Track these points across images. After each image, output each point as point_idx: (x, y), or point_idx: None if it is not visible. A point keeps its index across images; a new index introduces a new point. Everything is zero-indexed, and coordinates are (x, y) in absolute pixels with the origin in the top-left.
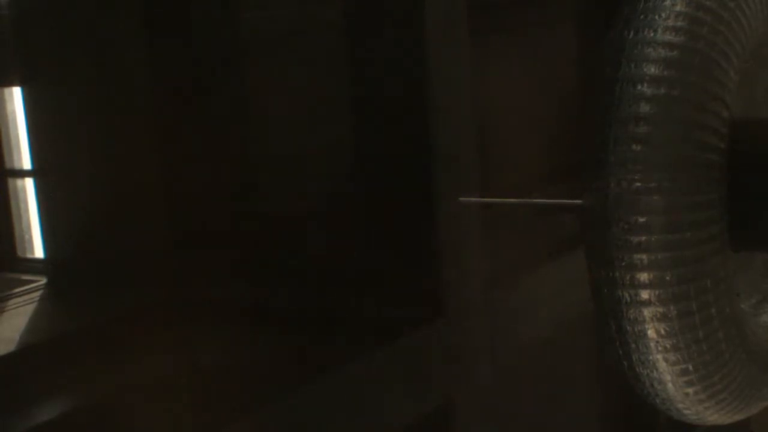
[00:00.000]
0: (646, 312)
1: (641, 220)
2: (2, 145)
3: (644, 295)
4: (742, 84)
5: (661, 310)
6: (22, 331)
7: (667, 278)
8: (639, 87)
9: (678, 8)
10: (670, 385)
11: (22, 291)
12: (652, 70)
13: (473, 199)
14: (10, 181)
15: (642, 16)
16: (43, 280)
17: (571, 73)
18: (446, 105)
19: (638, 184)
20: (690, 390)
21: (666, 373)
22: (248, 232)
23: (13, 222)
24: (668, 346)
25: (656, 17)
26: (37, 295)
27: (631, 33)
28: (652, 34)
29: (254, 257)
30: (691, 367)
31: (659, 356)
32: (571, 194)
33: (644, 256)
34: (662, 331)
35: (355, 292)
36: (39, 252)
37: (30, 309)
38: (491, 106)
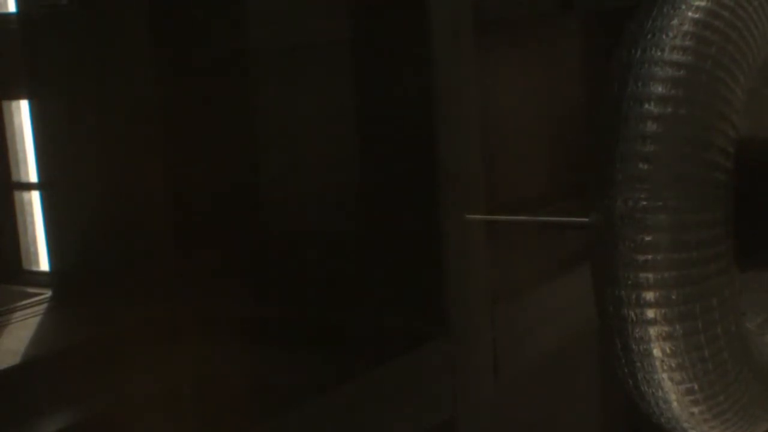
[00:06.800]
0: (652, 331)
1: (648, 238)
2: (9, 157)
3: (650, 314)
4: (749, 103)
5: (666, 329)
6: (27, 343)
7: (673, 297)
8: (646, 106)
9: (685, 28)
10: (675, 404)
11: (27, 303)
12: (659, 89)
13: (479, 216)
14: (17, 193)
15: (649, 35)
16: (49, 293)
17: (578, 90)
18: (452, 121)
19: (645, 202)
20: (695, 409)
21: (671, 392)
22: (253, 246)
23: (18, 234)
24: (674, 365)
25: (664, 36)
26: (42, 307)
27: (639, 52)
28: (659, 53)
29: (259, 271)
30: (696, 387)
31: (665, 375)
32: (578, 212)
33: (650, 275)
34: (668, 350)
35: (359, 307)
36: (44, 265)
37: (35, 321)
38: (498, 122)
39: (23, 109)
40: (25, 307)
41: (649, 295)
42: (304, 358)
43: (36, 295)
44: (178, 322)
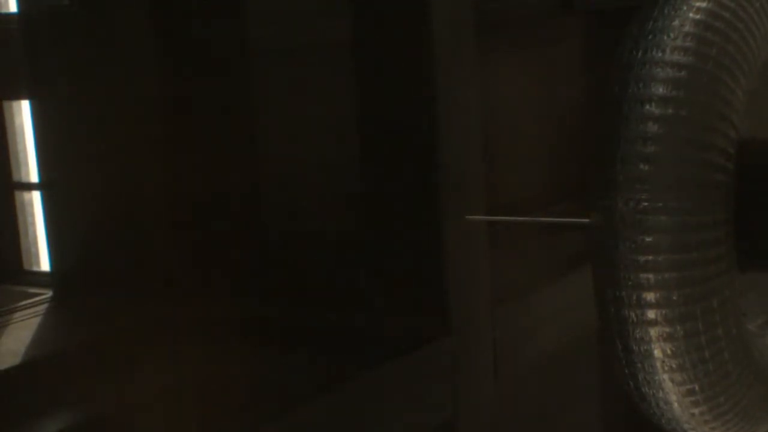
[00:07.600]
0: (653, 332)
1: (648, 239)
2: (10, 158)
3: (651, 314)
4: (750, 104)
5: (667, 329)
6: (27, 343)
7: (674, 298)
8: (647, 107)
9: (686, 28)
10: (676, 405)
11: (28, 304)
12: (660, 90)
13: (480, 217)
14: (17, 194)
15: (650, 36)
16: (49, 293)
17: (578, 91)
18: (453, 122)
19: (645, 203)
20: (696, 410)
21: (672, 393)
22: (254, 247)
23: (19, 235)
24: (674, 366)
25: (665, 37)
26: (42, 308)
27: (639, 52)
28: (660, 54)
29: (260, 272)
30: (697, 388)
31: (665, 376)
32: (578, 213)
33: (651, 276)
34: (668, 351)
35: (361, 309)
36: (45, 265)
37: (36, 322)
38: (498, 123)
39: (24, 109)
40: (26, 307)
41: (650, 296)
42: (304, 358)
43: (36, 295)
44: (178, 322)
